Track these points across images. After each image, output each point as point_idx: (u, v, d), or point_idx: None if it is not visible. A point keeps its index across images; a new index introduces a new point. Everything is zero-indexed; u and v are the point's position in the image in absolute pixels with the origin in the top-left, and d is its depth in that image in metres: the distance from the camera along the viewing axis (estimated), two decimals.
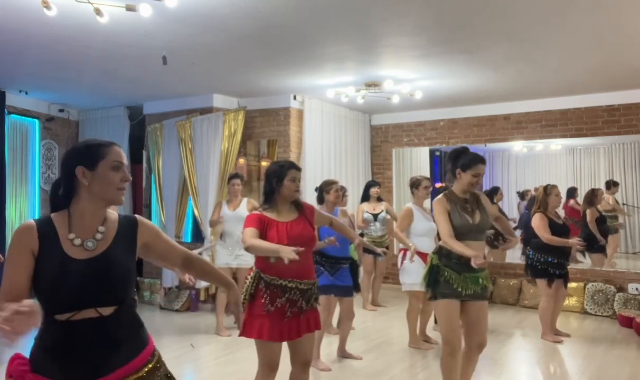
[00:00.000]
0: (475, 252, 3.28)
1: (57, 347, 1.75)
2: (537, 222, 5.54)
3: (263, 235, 3.14)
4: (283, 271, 3.09)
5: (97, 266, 1.78)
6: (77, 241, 1.79)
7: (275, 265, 3.08)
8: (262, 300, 3.09)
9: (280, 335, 3.12)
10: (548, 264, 5.50)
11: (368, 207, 6.96)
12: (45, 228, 1.79)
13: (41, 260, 1.75)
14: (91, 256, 1.79)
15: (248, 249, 3.13)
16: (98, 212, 1.87)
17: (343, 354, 5.15)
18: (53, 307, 1.74)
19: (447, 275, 3.48)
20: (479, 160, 3.51)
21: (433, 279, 3.52)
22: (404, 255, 5.35)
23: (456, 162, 3.57)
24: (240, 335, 3.11)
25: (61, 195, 1.85)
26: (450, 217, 3.46)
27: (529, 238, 5.80)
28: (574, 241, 5.51)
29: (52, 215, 1.84)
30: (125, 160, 1.91)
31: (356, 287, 5.08)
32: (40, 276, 1.75)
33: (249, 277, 3.21)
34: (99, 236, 1.83)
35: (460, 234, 3.46)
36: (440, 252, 3.55)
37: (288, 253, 2.89)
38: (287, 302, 3.11)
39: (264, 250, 3.08)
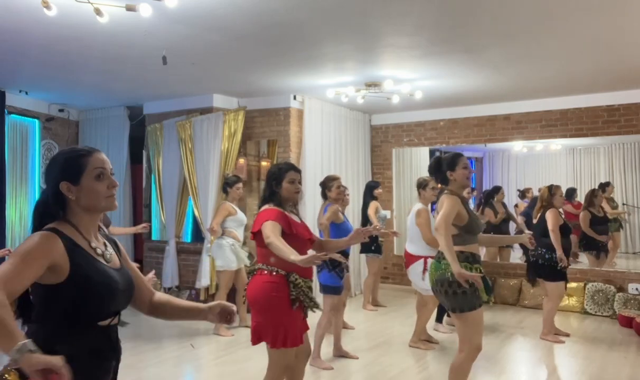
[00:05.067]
0: (461, 270, 3.28)
1: (97, 352, 1.76)
2: (551, 215, 5.53)
3: (289, 231, 3.13)
4: (305, 271, 3.15)
5: (125, 276, 1.86)
6: (99, 250, 1.81)
7: (289, 266, 3.06)
8: (295, 306, 3.10)
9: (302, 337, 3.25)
10: (564, 268, 5.48)
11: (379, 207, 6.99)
12: (65, 239, 1.73)
13: (76, 272, 1.69)
14: (117, 267, 1.85)
15: (270, 244, 3.01)
16: (95, 221, 1.86)
17: (339, 353, 5.14)
18: (100, 315, 1.75)
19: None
20: (459, 154, 3.66)
21: (487, 286, 3.43)
22: (425, 260, 5.25)
23: (440, 168, 3.63)
24: (287, 346, 3.09)
25: (52, 209, 1.79)
26: (471, 220, 3.48)
27: (538, 237, 5.74)
28: (563, 258, 5.41)
29: (55, 225, 1.76)
30: (108, 164, 1.85)
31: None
32: (86, 288, 1.70)
33: (304, 280, 3.11)
34: (110, 249, 1.87)
35: (474, 234, 3.52)
36: (475, 259, 3.49)
37: (309, 259, 2.80)
38: (310, 301, 3.20)
39: (283, 253, 2.95)
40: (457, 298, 3.41)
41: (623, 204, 9.26)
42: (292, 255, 2.87)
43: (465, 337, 3.48)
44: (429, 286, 5.16)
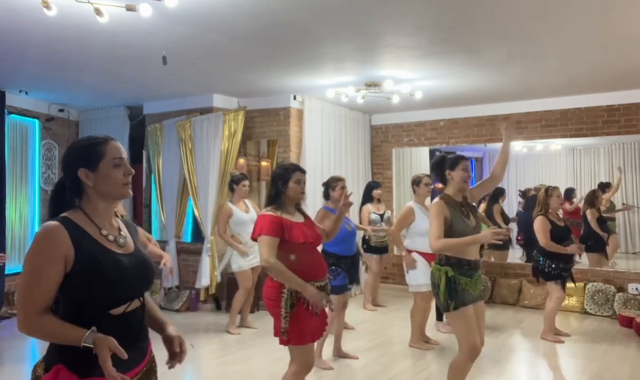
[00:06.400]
0: (490, 232, 3.38)
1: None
2: (538, 226, 5.55)
3: (282, 237, 3.17)
4: (301, 274, 3.16)
5: (138, 261, 1.87)
6: (111, 237, 1.84)
7: (293, 269, 3.14)
8: (304, 305, 3.15)
9: (316, 335, 3.24)
10: (560, 269, 5.50)
11: (373, 208, 6.92)
12: (73, 229, 1.75)
13: (83, 260, 1.72)
14: (129, 252, 1.86)
15: (270, 269, 3.14)
16: (110, 208, 1.91)
17: (339, 353, 5.14)
18: (110, 303, 1.76)
19: (463, 284, 3.46)
20: (462, 156, 3.73)
21: (452, 290, 3.45)
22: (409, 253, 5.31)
23: (442, 166, 3.70)
24: (292, 344, 3.16)
25: (69, 197, 1.85)
26: (451, 223, 3.48)
27: (530, 240, 5.79)
28: (573, 248, 5.45)
29: (68, 214, 1.80)
30: (124, 154, 1.90)
31: (356, 280, 5.22)
32: (92, 276, 1.72)
33: (284, 291, 3.15)
34: (123, 233, 1.90)
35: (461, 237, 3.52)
36: (449, 261, 3.50)
37: (316, 298, 3.07)
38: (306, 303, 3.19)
39: (288, 281, 3.11)
40: (437, 298, 3.59)
41: (623, 204, 9.28)
42: (300, 282, 3.10)
43: (458, 337, 3.57)
44: (414, 282, 5.30)
